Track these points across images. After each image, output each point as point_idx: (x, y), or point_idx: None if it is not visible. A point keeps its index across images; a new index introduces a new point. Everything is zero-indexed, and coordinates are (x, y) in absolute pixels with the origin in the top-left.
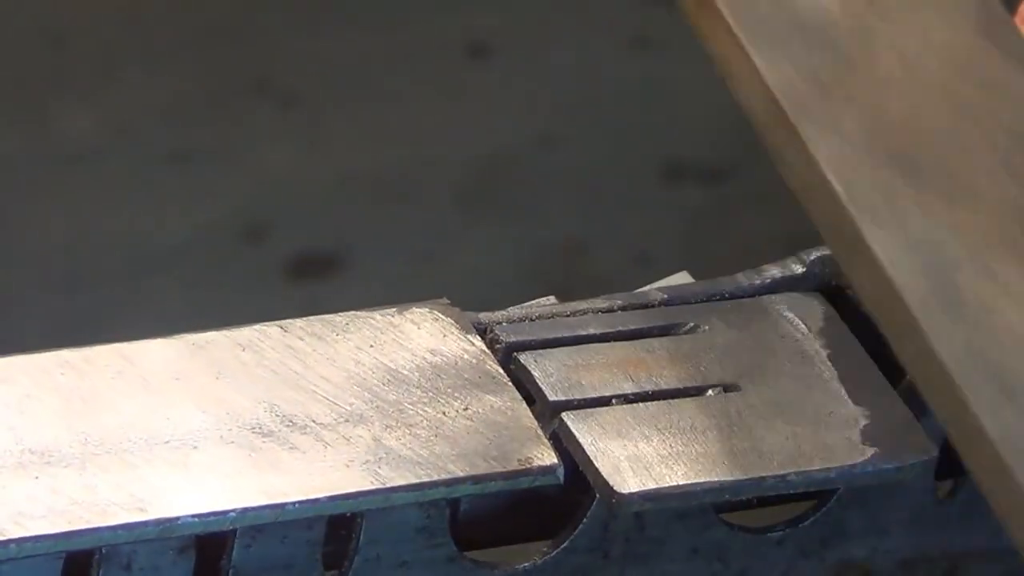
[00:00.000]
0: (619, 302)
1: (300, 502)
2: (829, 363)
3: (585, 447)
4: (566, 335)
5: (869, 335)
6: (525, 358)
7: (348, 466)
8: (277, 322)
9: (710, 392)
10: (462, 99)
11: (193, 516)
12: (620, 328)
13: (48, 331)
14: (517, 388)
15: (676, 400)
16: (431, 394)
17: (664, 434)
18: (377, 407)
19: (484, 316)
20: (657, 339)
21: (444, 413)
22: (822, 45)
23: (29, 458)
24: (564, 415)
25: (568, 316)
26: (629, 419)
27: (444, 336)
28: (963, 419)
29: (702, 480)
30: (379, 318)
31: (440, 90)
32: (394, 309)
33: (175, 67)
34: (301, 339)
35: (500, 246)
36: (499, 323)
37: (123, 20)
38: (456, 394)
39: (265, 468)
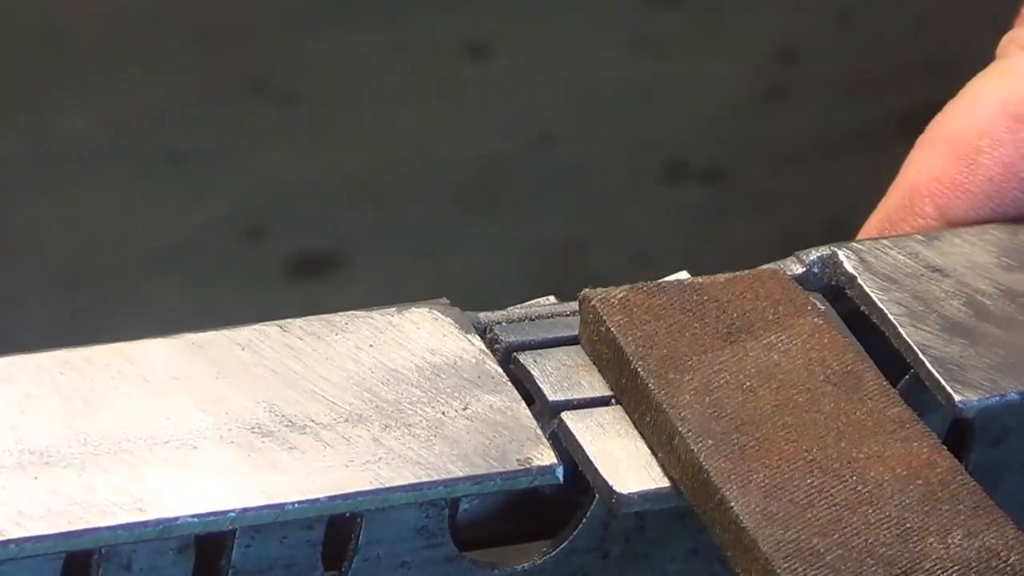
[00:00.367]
0: None
1: (299, 502)
2: None
3: (584, 447)
4: (566, 335)
5: (868, 334)
6: (524, 358)
7: (347, 466)
8: (276, 322)
9: None
10: (462, 99)
11: (192, 516)
12: None
13: (48, 331)
14: (517, 388)
15: None
16: (430, 394)
17: None
18: (376, 407)
19: (484, 316)
20: None
21: (443, 413)
22: None
23: (29, 458)
24: (563, 415)
25: (568, 316)
26: (629, 419)
27: (443, 336)
28: None
29: None
30: (378, 318)
31: (440, 90)
32: (393, 309)
33: (175, 67)
34: (300, 339)
35: (500, 246)
36: (498, 323)
37: (122, 20)
38: (455, 394)
39: (264, 468)
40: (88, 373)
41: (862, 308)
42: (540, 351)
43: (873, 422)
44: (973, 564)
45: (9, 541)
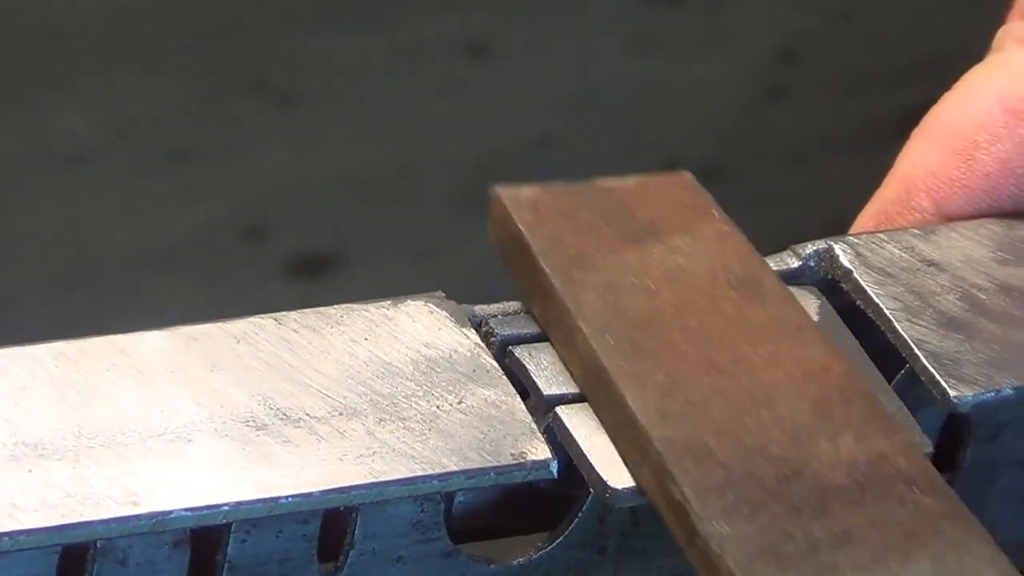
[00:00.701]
0: None
1: (293, 496)
2: None
3: (579, 441)
4: None
5: (864, 329)
6: (520, 352)
7: (342, 460)
8: (272, 315)
9: None
10: (462, 99)
11: (186, 510)
12: None
13: (47, 331)
14: (511, 382)
15: None
16: (425, 388)
17: None
18: (371, 400)
19: (479, 309)
20: None
21: (438, 407)
22: None
23: (23, 451)
24: (558, 409)
25: None
26: None
27: (439, 329)
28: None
29: None
30: (374, 311)
31: (440, 90)
32: (389, 302)
33: (174, 67)
34: (296, 332)
35: None
36: (494, 316)
37: (122, 20)
38: (450, 388)
39: (258, 462)
40: (83, 365)
41: (858, 302)
42: (535, 345)
43: (772, 327)
44: (861, 466)
45: (3, 534)
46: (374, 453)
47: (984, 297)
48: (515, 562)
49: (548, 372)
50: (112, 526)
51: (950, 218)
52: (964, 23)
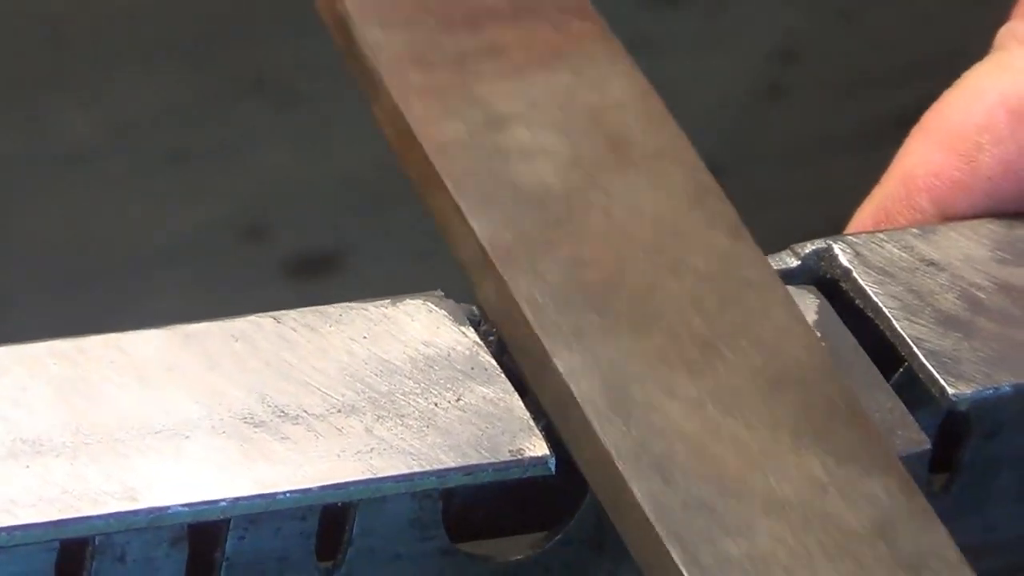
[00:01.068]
0: None
1: (291, 492)
2: None
3: None
4: None
5: (862, 328)
6: None
7: (340, 456)
8: (270, 313)
9: None
10: None
11: (184, 505)
12: None
13: (47, 331)
14: (510, 379)
15: None
16: (424, 385)
17: None
18: (369, 398)
19: (478, 308)
20: None
21: (436, 404)
22: (535, 208)
23: (21, 447)
24: None
25: None
26: None
27: (437, 328)
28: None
29: None
30: (373, 309)
31: None
32: (388, 301)
33: (175, 67)
34: (294, 330)
35: None
36: None
37: (122, 20)
38: (449, 385)
39: (257, 458)
40: (81, 363)
41: (856, 302)
42: None
43: None
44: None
45: (0, 529)
46: (372, 450)
47: (983, 296)
48: (513, 559)
49: None
50: (110, 521)
51: (950, 219)
52: (964, 23)
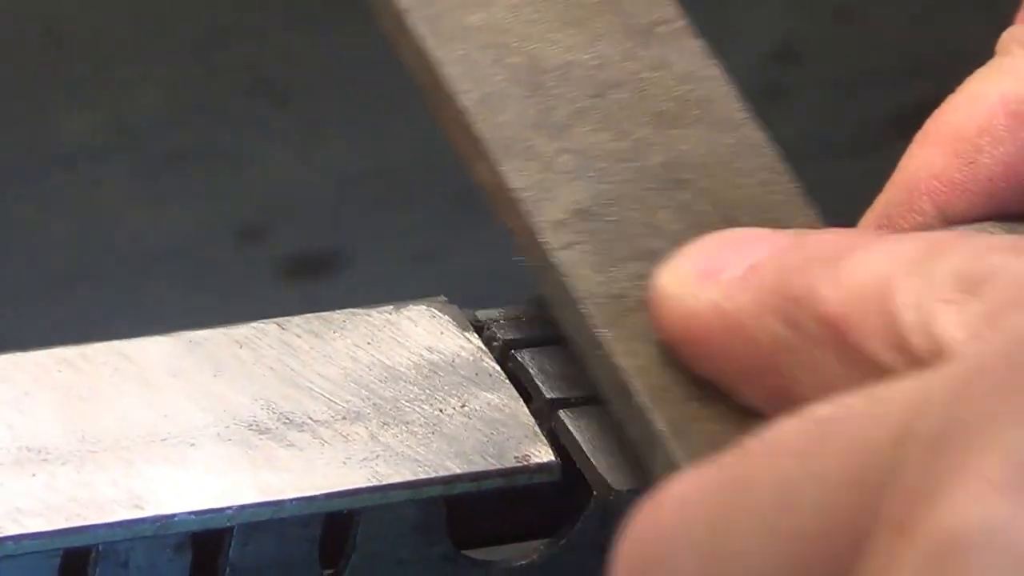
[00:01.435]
0: None
1: (297, 499)
2: None
3: (582, 444)
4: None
5: None
6: (522, 355)
7: (345, 463)
8: (274, 319)
9: None
10: None
11: (190, 513)
12: None
13: (47, 331)
14: (514, 385)
15: None
16: (428, 391)
17: None
18: (374, 404)
19: (481, 313)
20: None
21: (441, 411)
22: None
23: (26, 455)
24: (561, 412)
25: None
26: None
27: (441, 334)
28: None
29: None
30: (376, 316)
31: None
32: (391, 307)
33: (175, 67)
34: (298, 336)
35: (500, 246)
36: (496, 320)
37: (122, 20)
38: (453, 391)
39: (262, 465)
40: (86, 371)
41: None
42: (538, 348)
43: None
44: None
45: (7, 538)
46: (377, 456)
47: None
48: (516, 565)
49: (551, 375)
50: (116, 530)
51: (952, 221)
52: (964, 23)
